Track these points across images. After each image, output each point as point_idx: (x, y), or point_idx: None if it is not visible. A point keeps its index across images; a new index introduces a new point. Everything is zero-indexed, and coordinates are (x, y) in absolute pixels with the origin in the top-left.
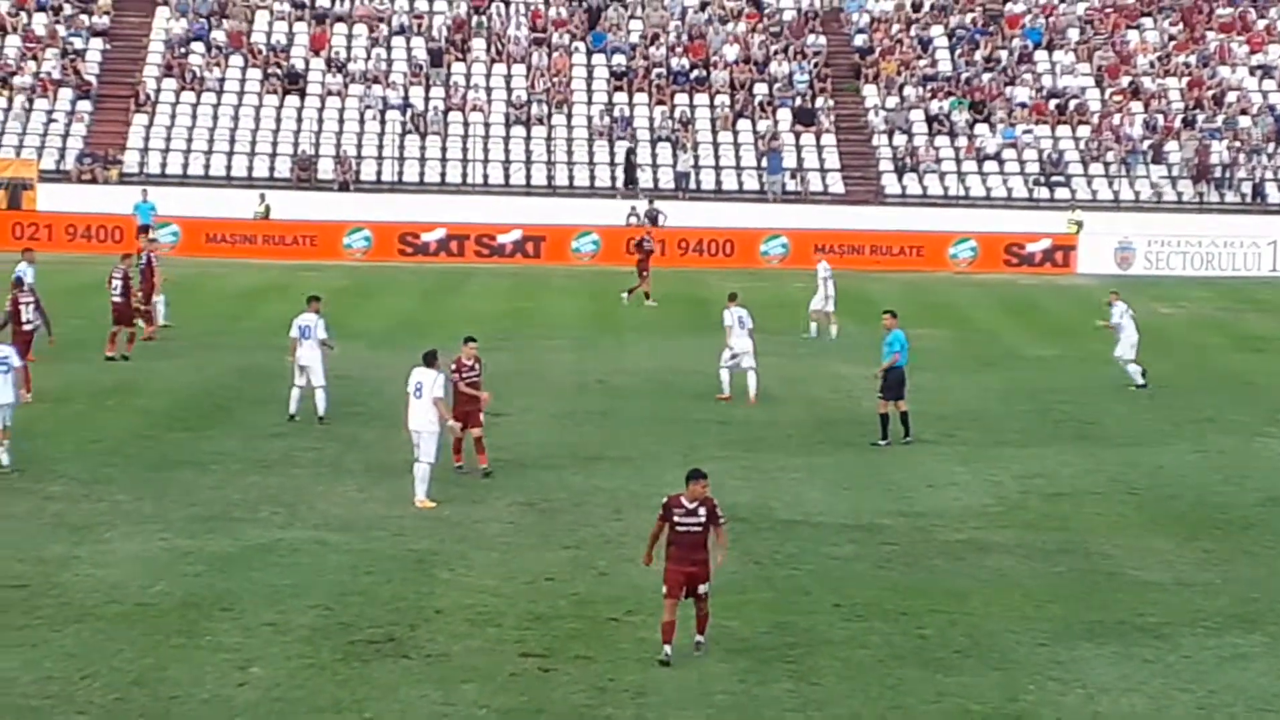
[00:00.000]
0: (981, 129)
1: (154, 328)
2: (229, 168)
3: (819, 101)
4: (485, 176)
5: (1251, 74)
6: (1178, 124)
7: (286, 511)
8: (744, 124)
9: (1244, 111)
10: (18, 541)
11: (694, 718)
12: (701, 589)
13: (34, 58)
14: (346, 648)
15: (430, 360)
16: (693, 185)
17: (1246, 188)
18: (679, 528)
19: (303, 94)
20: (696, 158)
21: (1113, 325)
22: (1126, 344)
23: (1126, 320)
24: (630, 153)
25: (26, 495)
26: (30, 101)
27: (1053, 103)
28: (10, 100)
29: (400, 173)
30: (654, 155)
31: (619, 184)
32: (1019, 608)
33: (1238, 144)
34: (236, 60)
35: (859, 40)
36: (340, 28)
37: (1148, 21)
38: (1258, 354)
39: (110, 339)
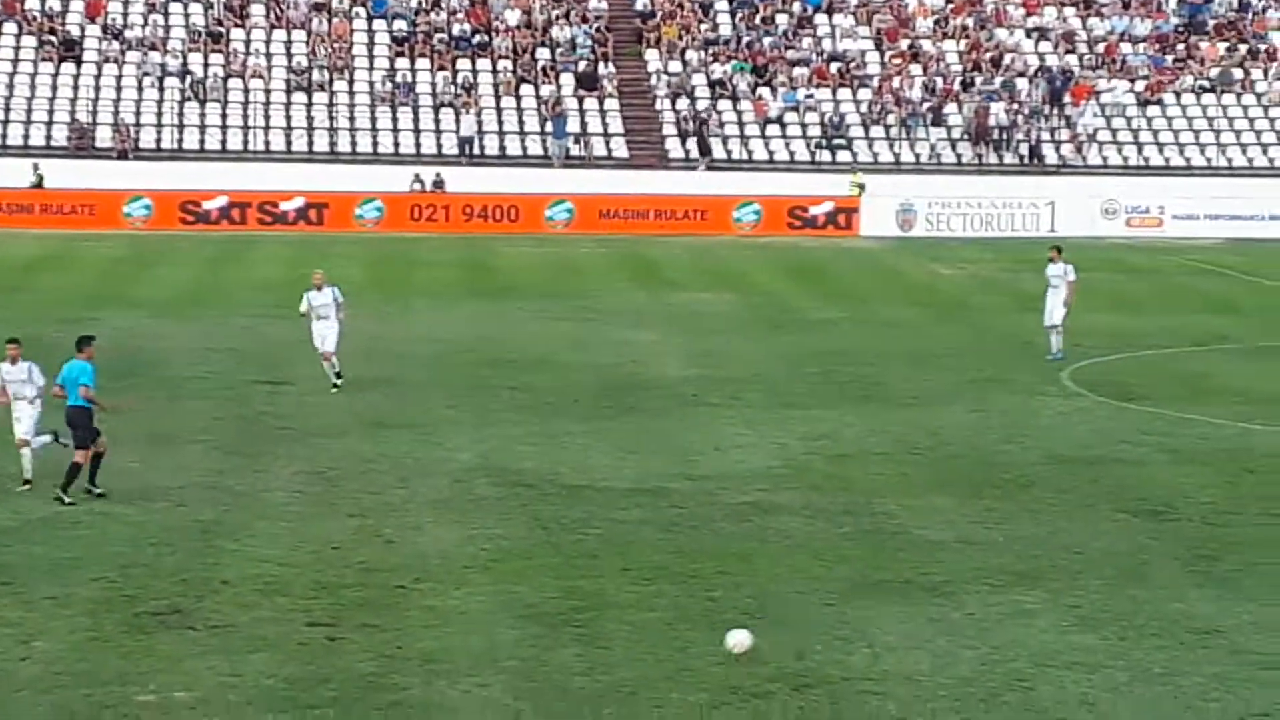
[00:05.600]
0: (764, 92)
1: None
2: (4, 136)
3: (602, 66)
4: (267, 143)
5: (1028, 36)
6: (956, 86)
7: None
8: (527, 89)
9: (1021, 74)
10: None
11: (483, 684)
12: None
13: None
14: (131, 620)
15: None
16: (476, 150)
17: (1024, 149)
18: None
19: (79, 61)
20: (480, 123)
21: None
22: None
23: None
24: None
25: None
26: None
27: (833, 66)
28: None
29: (180, 140)
30: (436, 121)
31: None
32: (805, 568)
33: (1015, 106)
34: (10, 27)
35: (641, 4)
36: None
37: None
38: (1036, 314)
39: None
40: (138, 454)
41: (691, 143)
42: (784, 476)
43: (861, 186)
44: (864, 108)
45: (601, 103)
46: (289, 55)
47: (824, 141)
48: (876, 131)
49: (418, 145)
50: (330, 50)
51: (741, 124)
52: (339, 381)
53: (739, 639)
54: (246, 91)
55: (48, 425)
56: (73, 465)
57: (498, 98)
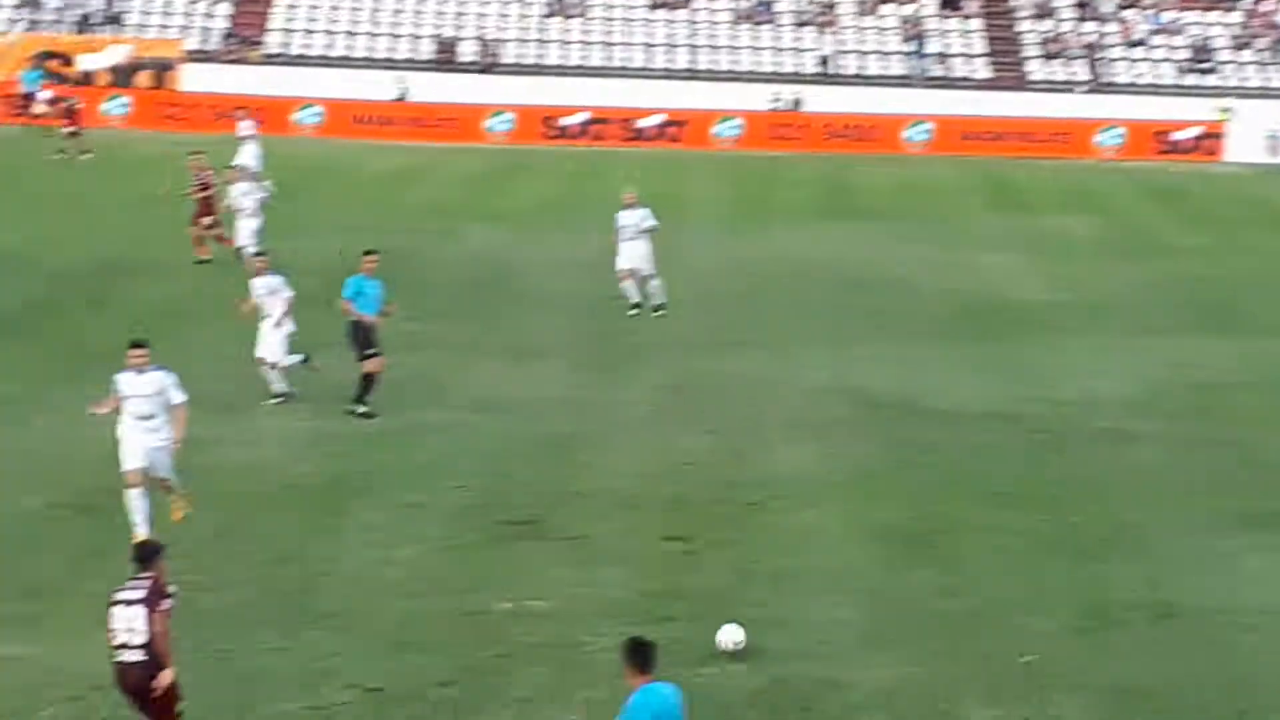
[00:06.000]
0: (1129, 14)
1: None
2: (370, 50)
3: None
4: (627, 60)
5: None
6: None
7: (429, 392)
8: (888, 8)
9: None
10: None
11: (836, 603)
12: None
13: None
14: (489, 528)
15: None
16: (835, 70)
17: None
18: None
19: None
20: (839, 42)
21: None
22: None
23: None
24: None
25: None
26: None
27: None
28: None
29: (542, 55)
30: (796, 39)
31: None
32: (1164, 497)
33: None
34: None
35: None
36: None
37: None
38: None
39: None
40: (498, 365)
41: (1057, 64)
42: (1144, 404)
43: (1229, 111)
44: (1233, 31)
45: (964, 23)
46: None
47: (1191, 65)
48: (1246, 56)
49: (777, 64)
50: None
51: (1106, 46)
52: (636, 308)
53: (731, 636)
54: (609, 8)
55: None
56: (364, 376)
57: (858, 17)
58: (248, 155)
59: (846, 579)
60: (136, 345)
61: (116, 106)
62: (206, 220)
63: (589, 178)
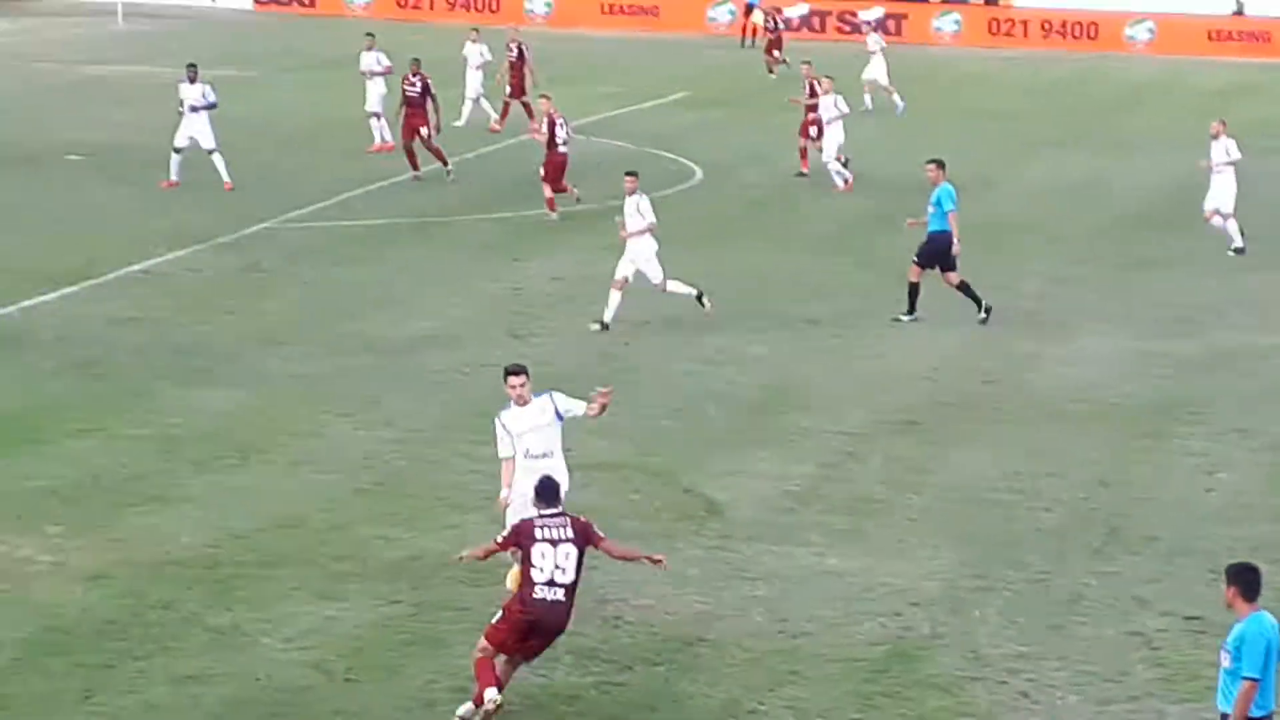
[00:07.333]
0: None
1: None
2: None
3: None
4: None
5: None
6: None
7: (1257, 315)
8: None
9: None
10: (990, 338)
11: None
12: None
13: None
14: None
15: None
16: None
17: None
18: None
19: None
20: None
21: None
22: None
23: None
24: None
25: (1000, 291)
26: None
27: None
28: None
29: None
30: None
31: None
32: None
33: None
34: None
35: None
36: None
37: None
38: None
39: None
40: None
41: None
42: None
43: None
44: None
45: None
46: None
47: None
48: None
49: None
50: None
51: None
52: (1239, 251)
53: None
54: None
55: None
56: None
57: None
58: (876, 69)
59: None
60: (514, 372)
61: (948, 24)
62: (813, 131)
63: None
